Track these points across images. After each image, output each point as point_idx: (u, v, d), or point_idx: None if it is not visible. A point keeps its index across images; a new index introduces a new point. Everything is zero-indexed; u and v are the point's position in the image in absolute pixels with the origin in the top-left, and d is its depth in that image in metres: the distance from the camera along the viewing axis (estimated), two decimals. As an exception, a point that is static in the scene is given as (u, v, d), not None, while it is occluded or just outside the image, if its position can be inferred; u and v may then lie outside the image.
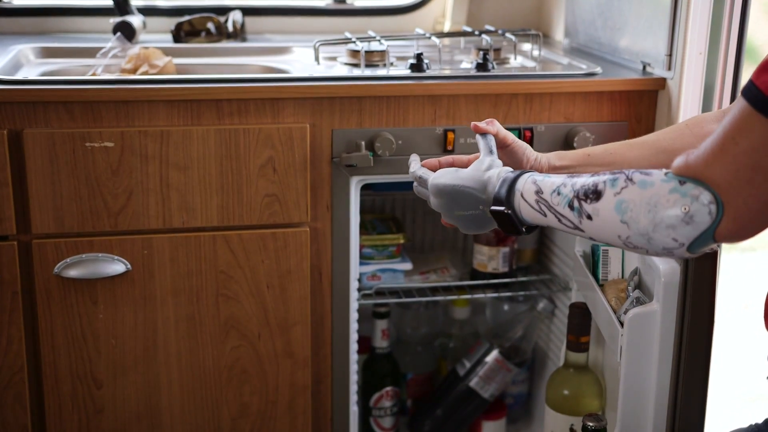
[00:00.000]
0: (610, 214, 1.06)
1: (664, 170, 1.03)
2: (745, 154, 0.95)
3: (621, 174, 1.06)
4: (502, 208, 1.18)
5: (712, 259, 1.25)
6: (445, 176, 1.26)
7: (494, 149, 1.28)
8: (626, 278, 1.51)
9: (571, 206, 1.10)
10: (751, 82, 0.95)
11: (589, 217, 1.08)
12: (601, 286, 1.52)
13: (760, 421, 1.22)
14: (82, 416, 1.60)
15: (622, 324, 1.35)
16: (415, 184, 1.34)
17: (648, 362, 1.32)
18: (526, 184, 1.17)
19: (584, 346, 1.61)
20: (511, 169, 1.21)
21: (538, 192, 1.15)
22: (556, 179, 1.14)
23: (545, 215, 1.14)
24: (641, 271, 1.43)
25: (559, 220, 1.13)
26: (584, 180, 1.10)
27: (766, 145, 0.94)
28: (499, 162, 1.23)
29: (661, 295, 1.29)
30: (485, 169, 1.23)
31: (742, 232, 1.00)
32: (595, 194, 1.07)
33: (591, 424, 1.35)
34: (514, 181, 1.19)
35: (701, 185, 0.99)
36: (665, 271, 1.28)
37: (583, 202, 1.09)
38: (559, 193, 1.12)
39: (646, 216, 1.03)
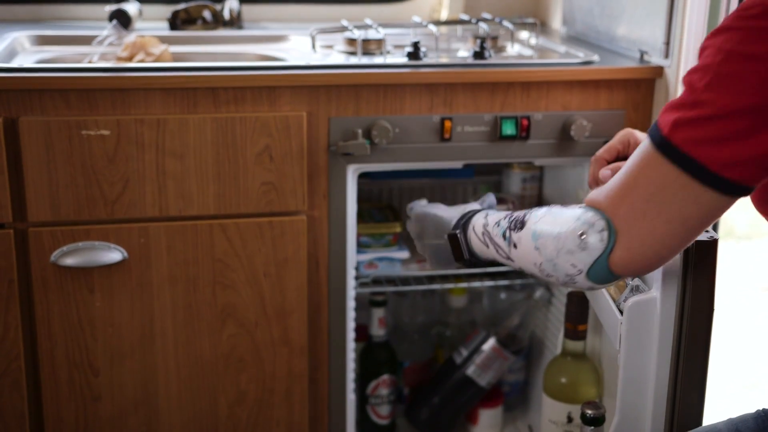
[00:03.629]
0: (527, 242, 1.14)
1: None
2: (642, 188, 1.01)
3: (546, 206, 1.15)
4: (456, 231, 1.28)
5: (712, 246, 1.25)
6: (428, 206, 1.39)
7: (492, 205, 1.38)
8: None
9: (504, 236, 1.18)
10: (655, 122, 1.00)
11: (515, 246, 1.16)
12: None
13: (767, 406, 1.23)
14: (79, 403, 1.60)
15: (621, 312, 1.35)
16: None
17: (647, 350, 1.32)
18: (478, 216, 1.26)
19: (582, 335, 1.62)
20: (480, 209, 1.31)
21: (485, 225, 1.24)
22: (503, 214, 1.22)
23: (488, 246, 1.22)
24: None
25: (497, 251, 1.20)
26: (519, 212, 1.18)
27: (662, 182, 0.99)
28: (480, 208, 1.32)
29: (660, 283, 1.29)
30: (462, 208, 1.34)
31: (637, 263, 1.06)
32: (520, 224, 1.16)
33: (590, 412, 1.35)
34: (473, 214, 1.29)
35: (599, 214, 1.05)
36: None
37: (512, 232, 1.17)
38: (498, 225, 1.20)
39: (552, 242, 1.10)
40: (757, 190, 1.10)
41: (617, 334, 1.36)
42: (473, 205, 1.34)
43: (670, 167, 0.98)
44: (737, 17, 0.94)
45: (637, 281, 1.38)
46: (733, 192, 0.98)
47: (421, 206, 1.40)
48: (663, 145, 0.98)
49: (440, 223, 1.34)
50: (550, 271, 1.12)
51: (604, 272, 1.09)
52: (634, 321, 1.32)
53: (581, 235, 1.08)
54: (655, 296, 1.30)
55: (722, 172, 0.96)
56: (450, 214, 1.34)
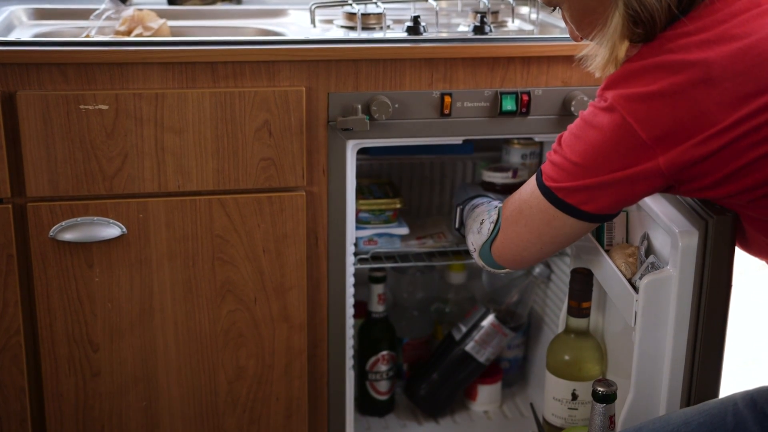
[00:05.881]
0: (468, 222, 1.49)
1: None
2: (524, 201, 1.29)
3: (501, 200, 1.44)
4: (459, 205, 1.57)
5: (730, 221, 1.24)
6: (476, 185, 1.79)
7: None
8: (630, 243, 1.51)
9: (469, 218, 1.49)
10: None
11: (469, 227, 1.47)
12: (606, 251, 1.51)
13: None
14: (78, 379, 1.60)
15: (636, 289, 1.35)
16: None
17: (663, 327, 1.32)
18: (481, 199, 1.53)
19: (585, 312, 1.61)
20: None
21: (474, 205, 1.51)
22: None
23: (467, 224, 1.49)
24: (650, 236, 1.42)
25: (469, 229, 1.46)
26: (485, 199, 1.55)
27: (532, 201, 1.26)
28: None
29: (678, 260, 1.27)
30: (488, 196, 1.62)
31: (505, 256, 1.36)
32: (473, 208, 1.50)
33: (601, 389, 1.33)
34: (481, 196, 1.57)
35: (500, 211, 1.36)
36: (683, 235, 1.27)
37: (470, 212, 1.50)
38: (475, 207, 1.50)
39: (470, 223, 1.45)
40: (743, 245, 1.29)
41: (631, 312, 1.35)
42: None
43: (538, 192, 1.25)
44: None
45: (652, 258, 1.37)
46: (580, 217, 1.22)
47: (474, 184, 1.81)
48: (538, 173, 1.26)
49: (462, 193, 1.69)
50: (467, 244, 1.45)
51: (488, 256, 1.38)
52: (651, 298, 1.31)
53: (482, 222, 1.39)
54: (672, 273, 1.29)
55: (567, 198, 1.21)
56: (474, 188, 1.69)
